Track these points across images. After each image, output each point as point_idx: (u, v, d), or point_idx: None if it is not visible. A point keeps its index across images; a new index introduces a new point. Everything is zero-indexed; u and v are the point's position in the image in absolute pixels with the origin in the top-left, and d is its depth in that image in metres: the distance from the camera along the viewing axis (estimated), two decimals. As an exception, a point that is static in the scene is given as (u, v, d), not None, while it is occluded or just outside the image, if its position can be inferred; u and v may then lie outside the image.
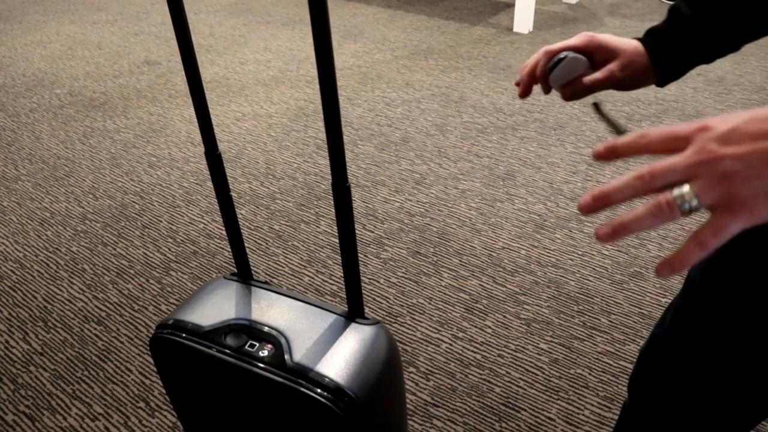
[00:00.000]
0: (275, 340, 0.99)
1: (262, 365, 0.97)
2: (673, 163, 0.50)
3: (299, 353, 0.97)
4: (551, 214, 2.14)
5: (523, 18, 3.59)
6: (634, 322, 1.74)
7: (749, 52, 3.25)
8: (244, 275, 1.14)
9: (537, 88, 2.96)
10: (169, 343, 1.05)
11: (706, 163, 0.48)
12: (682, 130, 0.51)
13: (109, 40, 3.76)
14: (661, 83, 0.87)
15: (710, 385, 0.87)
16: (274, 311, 1.04)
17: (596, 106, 0.89)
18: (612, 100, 2.83)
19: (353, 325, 1.01)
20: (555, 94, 2.91)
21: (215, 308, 1.07)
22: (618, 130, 0.84)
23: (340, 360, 0.96)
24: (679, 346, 0.89)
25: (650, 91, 2.90)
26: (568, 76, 0.86)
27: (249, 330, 1.02)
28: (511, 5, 4.03)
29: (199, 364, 1.04)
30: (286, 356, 0.96)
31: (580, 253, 1.98)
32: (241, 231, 2.13)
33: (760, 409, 0.89)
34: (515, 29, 3.64)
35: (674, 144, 0.51)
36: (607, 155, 0.55)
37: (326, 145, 2.55)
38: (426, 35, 3.64)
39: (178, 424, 1.53)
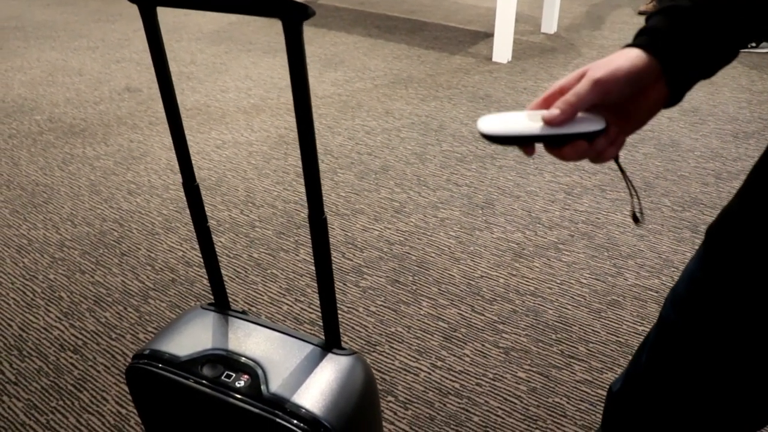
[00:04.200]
0: (252, 370, 0.99)
1: (238, 396, 0.96)
2: None
3: (276, 384, 0.97)
4: (530, 242, 2.16)
5: (502, 48, 3.65)
6: (611, 350, 1.75)
7: (722, 83, 3.31)
8: (222, 305, 1.14)
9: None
10: (145, 374, 1.05)
11: None
12: None
13: (90, 67, 3.76)
14: (673, 96, 0.69)
15: (690, 419, 0.88)
16: (250, 342, 1.04)
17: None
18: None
19: (330, 356, 1.01)
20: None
21: (192, 338, 1.06)
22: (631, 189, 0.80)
23: (316, 391, 0.96)
24: (657, 383, 0.90)
25: (626, 121, 2.94)
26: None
27: (226, 360, 1.02)
28: (491, 35, 4.09)
29: (175, 394, 1.03)
30: (263, 387, 0.96)
31: (558, 281, 1.99)
32: (220, 259, 2.13)
33: None
34: (494, 59, 3.69)
35: None
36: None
37: (306, 173, 2.56)
38: (406, 64, 3.68)
39: (154, 455, 1.52)
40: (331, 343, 1.03)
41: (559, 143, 0.70)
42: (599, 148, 0.70)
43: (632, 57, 0.66)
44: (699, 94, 3.21)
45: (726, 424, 0.86)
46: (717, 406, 0.83)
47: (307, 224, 2.27)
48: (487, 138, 0.71)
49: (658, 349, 0.88)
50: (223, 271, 2.07)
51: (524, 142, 0.71)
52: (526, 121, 0.71)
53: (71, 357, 1.78)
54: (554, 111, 0.68)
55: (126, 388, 1.68)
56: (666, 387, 0.88)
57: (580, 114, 0.70)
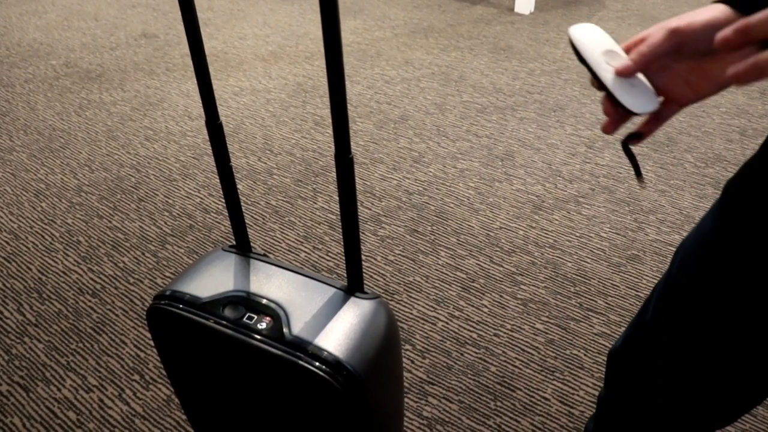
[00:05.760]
0: (274, 312, 0.98)
1: (260, 337, 0.96)
2: None
3: (298, 326, 0.96)
4: (549, 195, 2.14)
5: (525, -2, 3.57)
6: (630, 304, 1.74)
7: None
8: (243, 247, 1.13)
9: (532, 72, 2.94)
10: (166, 314, 1.04)
11: None
12: None
13: (105, 12, 3.72)
14: None
15: (698, 379, 0.86)
16: (272, 284, 1.03)
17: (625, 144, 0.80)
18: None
19: (353, 299, 1.00)
20: (556, 74, 2.89)
21: (213, 280, 1.06)
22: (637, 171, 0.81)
23: (339, 334, 0.95)
24: (664, 342, 0.88)
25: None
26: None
27: (247, 302, 1.01)
28: (513, -15, 4.00)
29: (196, 335, 1.03)
30: (285, 329, 0.96)
31: (577, 234, 1.97)
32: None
33: (739, 405, 0.88)
34: (516, 9, 3.61)
35: None
36: (736, 39, 0.52)
37: (324, 122, 2.54)
38: (426, 14, 3.61)
39: (173, 397, 1.53)
40: (353, 286, 1.02)
41: (605, 91, 0.71)
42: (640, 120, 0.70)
43: (715, 9, 0.65)
44: (726, 49, 3.13)
45: (735, 385, 0.84)
46: (726, 366, 0.82)
47: (325, 172, 2.26)
48: (570, 42, 0.72)
49: (666, 308, 0.86)
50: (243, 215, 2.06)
51: (590, 71, 0.72)
52: (601, 53, 0.71)
53: (90, 300, 1.79)
54: (627, 62, 0.69)
55: (144, 332, 1.69)
56: (673, 346, 0.86)
57: (646, 83, 0.71)
